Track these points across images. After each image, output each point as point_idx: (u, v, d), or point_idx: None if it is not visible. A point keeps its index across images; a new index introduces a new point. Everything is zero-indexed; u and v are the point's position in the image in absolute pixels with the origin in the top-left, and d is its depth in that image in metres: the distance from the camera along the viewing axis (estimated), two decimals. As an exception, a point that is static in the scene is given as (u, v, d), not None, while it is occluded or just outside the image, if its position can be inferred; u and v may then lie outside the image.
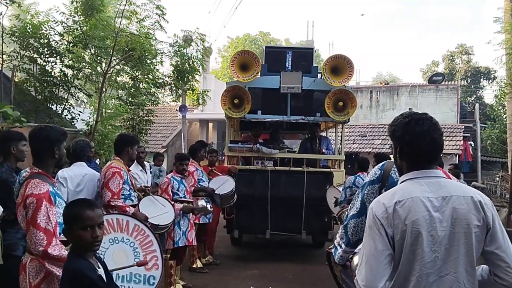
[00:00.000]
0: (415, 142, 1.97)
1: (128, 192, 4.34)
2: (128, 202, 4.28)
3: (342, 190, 6.10)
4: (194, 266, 6.48)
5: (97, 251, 2.39)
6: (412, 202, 1.89)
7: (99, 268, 2.29)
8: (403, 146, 2.02)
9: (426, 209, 1.88)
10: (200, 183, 6.35)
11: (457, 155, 16.65)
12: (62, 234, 2.47)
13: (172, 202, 5.13)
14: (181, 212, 5.43)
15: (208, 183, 6.46)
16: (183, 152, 12.02)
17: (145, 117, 12.46)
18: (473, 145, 17.50)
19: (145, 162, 6.95)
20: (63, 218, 2.34)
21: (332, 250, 2.75)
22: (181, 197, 5.57)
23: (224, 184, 6.28)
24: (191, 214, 5.66)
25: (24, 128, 5.94)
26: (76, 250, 2.26)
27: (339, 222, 6.16)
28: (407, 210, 1.88)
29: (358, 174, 6.22)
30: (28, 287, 2.69)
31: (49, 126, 3.06)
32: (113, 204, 4.07)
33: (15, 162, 3.88)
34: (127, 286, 3.33)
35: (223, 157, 7.94)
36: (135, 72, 11.20)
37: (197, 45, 11.84)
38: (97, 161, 7.85)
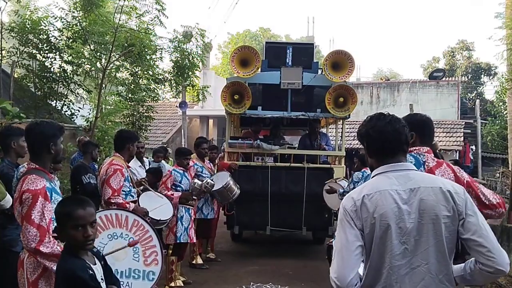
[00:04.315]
0: (377, 134, 2.02)
1: (129, 189, 4.33)
2: (128, 199, 4.27)
3: (349, 183, 6.11)
4: (194, 262, 6.49)
5: (94, 247, 2.36)
6: (380, 195, 1.91)
7: (95, 264, 2.26)
8: (368, 142, 2.07)
9: (394, 201, 1.89)
10: (200, 178, 6.34)
11: (458, 151, 16.63)
12: (54, 231, 2.44)
13: (171, 192, 5.13)
14: (183, 207, 5.43)
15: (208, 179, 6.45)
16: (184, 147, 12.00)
17: (145, 113, 12.44)
18: (474, 150, 17.39)
19: (144, 158, 6.94)
20: (55, 216, 2.30)
21: (333, 243, 2.75)
22: (184, 190, 5.56)
23: (217, 180, 6.26)
24: (192, 211, 5.65)
25: (24, 124, 5.93)
26: (69, 249, 2.23)
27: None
28: (375, 203, 1.91)
29: (363, 169, 6.21)
30: (26, 283, 2.68)
31: (45, 121, 3.03)
32: (113, 201, 4.06)
33: (16, 157, 3.88)
34: (126, 282, 3.31)
35: (223, 153, 7.90)
36: (134, 68, 11.18)
37: (197, 41, 11.81)
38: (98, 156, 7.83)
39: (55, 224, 2.59)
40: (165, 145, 12.39)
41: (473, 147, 17.60)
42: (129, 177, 4.34)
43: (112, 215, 3.43)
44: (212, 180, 5.96)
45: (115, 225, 3.38)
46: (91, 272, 2.16)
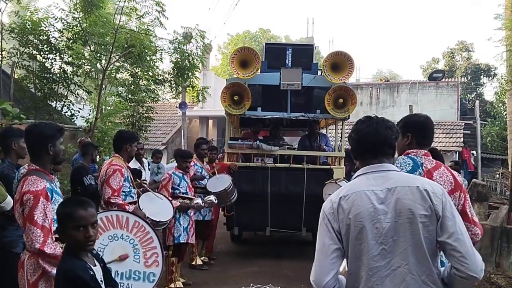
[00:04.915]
0: (359, 137, 2.04)
1: (129, 189, 4.34)
2: (128, 199, 4.28)
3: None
4: (194, 263, 6.49)
5: (95, 248, 2.37)
6: (356, 195, 1.91)
7: (95, 265, 2.27)
8: (352, 145, 2.09)
9: (370, 201, 1.88)
10: (197, 176, 6.34)
11: (457, 152, 16.64)
12: (55, 232, 2.45)
13: (170, 198, 5.13)
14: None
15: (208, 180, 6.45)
16: (183, 149, 12.00)
17: (145, 114, 12.45)
18: (475, 155, 17.36)
19: (143, 159, 6.94)
20: (56, 217, 2.31)
21: None
22: (182, 193, 5.56)
23: (218, 182, 6.26)
24: (191, 211, 5.66)
25: (24, 125, 5.94)
26: (69, 250, 2.24)
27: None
28: (350, 203, 1.91)
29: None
30: (26, 284, 2.68)
31: (44, 123, 3.05)
32: (113, 201, 4.07)
33: (16, 158, 3.88)
34: (126, 284, 3.30)
35: (223, 154, 7.90)
36: (134, 69, 11.19)
37: (197, 42, 11.82)
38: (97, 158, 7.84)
39: (56, 225, 2.61)
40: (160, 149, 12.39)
41: (474, 152, 17.56)
42: (129, 178, 4.35)
43: (113, 216, 3.43)
44: (214, 197, 5.95)
45: (115, 226, 3.39)
46: (91, 273, 2.17)
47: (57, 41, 10.25)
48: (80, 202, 2.26)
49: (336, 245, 1.91)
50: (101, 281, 2.27)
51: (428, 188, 1.88)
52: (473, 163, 17.26)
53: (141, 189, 4.75)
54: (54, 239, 2.58)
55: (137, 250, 3.36)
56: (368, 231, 1.86)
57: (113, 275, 3.07)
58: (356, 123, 2.11)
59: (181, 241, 5.43)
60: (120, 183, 4.17)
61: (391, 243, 1.85)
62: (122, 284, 3.27)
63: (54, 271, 2.55)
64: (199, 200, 5.60)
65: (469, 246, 1.83)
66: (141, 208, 4.21)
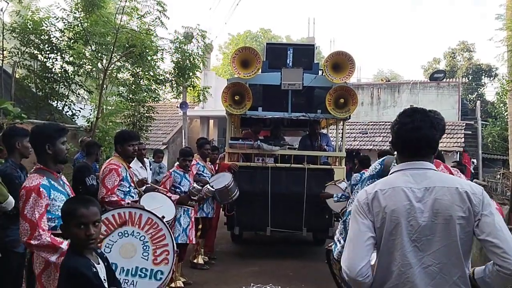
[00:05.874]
0: (401, 131, 1.99)
1: (128, 189, 4.33)
2: (128, 198, 4.28)
3: (347, 186, 6.12)
4: (196, 261, 6.50)
5: (101, 245, 2.39)
6: (393, 191, 1.90)
7: (98, 263, 2.29)
8: (394, 136, 2.05)
9: (407, 198, 1.87)
10: (200, 178, 6.35)
11: (458, 152, 16.62)
12: (59, 228, 2.48)
13: (169, 194, 5.13)
14: (182, 207, 5.44)
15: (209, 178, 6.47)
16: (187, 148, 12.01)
17: (146, 114, 12.45)
18: (475, 163, 17.33)
19: (144, 159, 6.95)
20: (61, 214, 2.37)
21: (332, 247, 2.75)
22: (183, 192, 5.57)
23: (220, 180, 6.28)
24: (192, 211, 5.66)
25: (25, 125, 5.95)
26: (73, 247, 2.28)
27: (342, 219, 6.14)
28: (387, 198, 1.89)
29: (363, 171, 6.22)
30: (36, 276, 2.82)
31: (46, 123, 3.13)
32: (107, 200, 4.07)
33: (20, 158, 3.89)
34: (131, 280, 3.27)
35: (223, 154, 7.91)
36: (135, 68, 11.18)
37: (198, 42, 11.80)
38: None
39: (58, 222, 2.69)
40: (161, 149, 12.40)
41: (474, 160, 17.52)
42: (128, 177, 4.33)
43: (126, 213, 3.41)
44: (212, 185, 5.97)
45: (127, 223, 3.37)
46: (94, 270, 2.19)
47: (58, 41, 10.25)
48: (83, 201, 2.30)
49: (371, 233, 1.90)
50: (104, 279, 2.28)
51: (468, 190, 1.87)
52: (472, 171, 17.22)
53: (143, 188, 4.76)
54: (41, 232, 2.66)
55: (147, 247, 3.32)
56: (403, 227, 1.85)
57: (119, 272, 3.08)
58: (401, 114, 2.04)
59: (179, 242, 5.43)
60: (115, 182, 4.16)
61: (424, 241, 1.84)
62: (126, 281, 3.24)
63: (52, 258, 2.65)
64: (195, 185, 5.60)
65: (510, 242, 1.79)
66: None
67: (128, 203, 4.09)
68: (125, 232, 3.31)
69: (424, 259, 1.84)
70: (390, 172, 2.05)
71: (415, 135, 1.95)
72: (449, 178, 1.97)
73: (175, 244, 3.37)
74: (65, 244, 2.66)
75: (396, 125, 2.01)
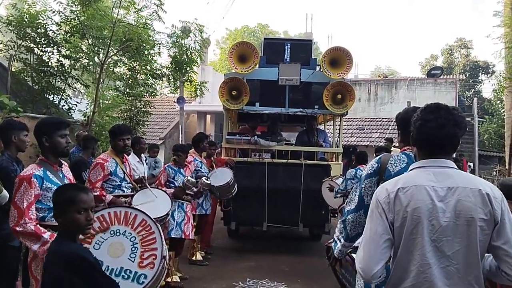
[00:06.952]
0: (424, 128, 1.94)
1: (118, 183, 4.26)
2: (117, 193, 4.22)
3: (343, 181, 6.13)
4: (194, 258, 6.49)
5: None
6: (416, 189, 1.86)
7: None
8: (415, 132, 1.99)
9: (429, 197, 1.84)
10: (198, 174, 6.33)
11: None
12: (53, 216, 2.45)
13: (164, 189, 5.11)
14: (176, 201, 5.41)
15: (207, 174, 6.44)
16: (180, 143, 11.99)
17: (143, 109, 12.41)
18: (472, 167, 17.35)
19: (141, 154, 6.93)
20: (53, 203, 2.35)
21: (332, 244, 2.74)
22: (177, 187, 5.55)
23: (220, 176, 6.27)
24: (188, 206, 5.63)
25: (21, 118, 5.92)
26: (65, 234, 2.26)
27: (338, 215, 6.17)
28: (409, 197, 1.86)
29: (358, 167, 6.23)
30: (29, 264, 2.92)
31: (46, 117, 3.19)
32: None
33: (16, 151, 3.88)
34: None
35: (220, 149, 7.90)
36: (132, 63, 11.12)
37: (195, 36, 11.73)
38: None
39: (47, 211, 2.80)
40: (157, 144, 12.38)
41: (471, 164, 17.56)
42: (117, 171, 4.24)
43: (122, 212, 3.39)
44: (209, 177, 5.95)
45: (121, 222, 3.33)
46: (94, 256, 2.22)
47: (55, 34, 10.17)
48: (81, 188, 2.41)
49: (388, 235, 1.88)
50: None
51: (490, 192, 1.85)
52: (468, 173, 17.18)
53: (140, 184, 4.73)
54: (28, 220, 2.75)
55: (136, 248, 3.28)
56: (425, 227, 1.83)
57: (103, 270, 3.06)
58: (423, 110, 1.98)
59: (172, 236, 5.39)
60: (99, 176, 4.13)
61: (444, 242, 1.82)
62: None
63: (34, 247, 2.73)
64: (189, 178, 5.58)
65: None
66: (134, 204, 4.14)
67: (113, 198, 4.09)
68: (117, 231, 3.28)
69: (443, 259, 1.82)
70: (410, 168, 2.02)
71: (439, 133, 1.90)
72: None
73: (165, 250, 3.30)
74: (47, 235, 2.72)
75: (418, 121, 1.96)
